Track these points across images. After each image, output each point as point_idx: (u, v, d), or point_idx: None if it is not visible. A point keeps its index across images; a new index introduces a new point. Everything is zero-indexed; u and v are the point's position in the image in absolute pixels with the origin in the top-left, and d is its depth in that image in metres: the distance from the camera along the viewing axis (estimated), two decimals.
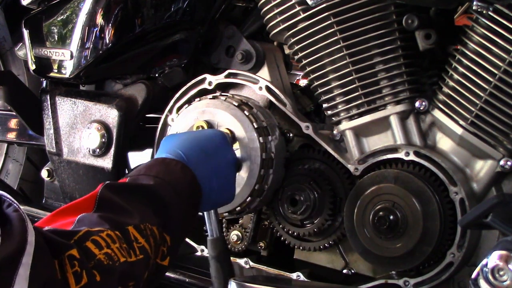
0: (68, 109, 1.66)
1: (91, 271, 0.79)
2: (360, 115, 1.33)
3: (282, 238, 1.45)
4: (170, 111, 1.53)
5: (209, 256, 1.25)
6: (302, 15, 1.33)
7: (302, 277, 1.39)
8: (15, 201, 0.78)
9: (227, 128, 1.33)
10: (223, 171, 1.16)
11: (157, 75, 1.60)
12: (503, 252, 0.89)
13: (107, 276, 0.81)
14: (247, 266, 1.48)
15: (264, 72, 1.49)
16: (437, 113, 1.27)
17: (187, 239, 1.54)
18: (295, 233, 1.41)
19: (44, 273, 0.73)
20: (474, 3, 1.12)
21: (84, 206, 0.91)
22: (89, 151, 1.61)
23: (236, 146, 1.33)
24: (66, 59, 1.56)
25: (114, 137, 1.58)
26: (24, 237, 0.73)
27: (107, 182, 0.96)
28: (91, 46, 1.52)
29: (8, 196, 0.78)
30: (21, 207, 1.92)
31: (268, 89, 1.43)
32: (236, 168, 1.24)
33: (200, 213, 1.21)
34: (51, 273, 0.75)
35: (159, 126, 1.54)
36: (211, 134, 1.23)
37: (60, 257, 0.78)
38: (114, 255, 0.84)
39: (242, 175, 1.32)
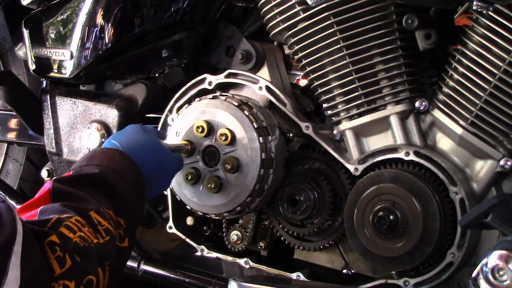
0: (68, 109, 1.66)
1: (72, 254, 0.81)
2: (360, 115, 1.33)
3: (282, 238, 1.45)
4: (170, 111, 1.53)
5: None
6: (302, 15, 1.33)
7: (302, 277, 1.39)
8: (0, 192, 0.79)
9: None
10: (160, 160, 1.19)
11: (157, 75, 1.60)
12: (503, 252, 0.89)
13: (86, 257, 0.84)
14: (247, 266, 1.48)
15: (264, 72, 1.49)
16: (437, 113, 1.28)
17: (187, 239, 1.55)
18: (295, 233, 1.41)
19: (34, 261, 0.75)
20: (474, 3, 1.12)
21: (39, 202, 0.93)
22: (89, 151, 1.61)
23: (235, 146, 1.33)
24: (66, 59, 1.56)
25: None
26: (14, 226, 0.74)
27: (54, 177, 0.99)
28: (91, 46, 1.52)
29: None
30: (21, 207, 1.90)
31: (268, 89, 1.43)
32: (175, 160, 1.26)
33: None
34: (40, 260, 0.76)
35: (159, 126, 1.54)
36: (145, 128, 1.26)
37: (41, 244, 0.79)
38: (88, 237, 0.86)
39: (242, 175, 1.32)
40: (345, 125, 1.36)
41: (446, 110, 1.26)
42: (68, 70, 1.57)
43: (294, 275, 1.40)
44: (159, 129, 1.54)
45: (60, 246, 0.80)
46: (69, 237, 0.83)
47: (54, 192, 0.94)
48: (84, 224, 0.88)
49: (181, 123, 1.39)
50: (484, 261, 0.90)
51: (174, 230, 1.55)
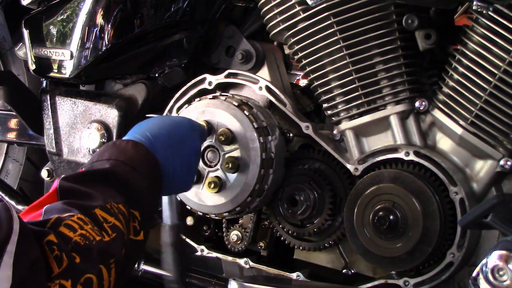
0: (68, 109, 1.66)
1: (70, 253, 0.80)
2: (360, 115, 1.33)
3: (282, 238, 1.45)
4: (170, 111, 1.53)
5: (162, 243, 1.25)
6: (302, 15, 1.33)
7: (302, 277, 1.39)
8: None
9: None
10: (187, 157, 1.16)
11: (157, 75, 1.60)
12: (503, 252, 0.89)
13: (87, 255, 0.82)
14: (247, 266, 1.48)
15: (264, 72, 1.49)
16: (437, 113, 1.28)
17: (187, 239, 1.55)
18: (295, 233, 1.41)
19: (28, 260, 0.74)
20: (474, 3, 1.12)
21: (47, 201, 0.92)
22: (89, 151, 1.61)
23: (235, 146, 1.33)
24: (66, 59, 1.56)
25: (114, 137, 1.58)
26: (10, 226, 0.73)
27: (63, 175, 0.97)
28: (91, 46, 1.52)
29: None
30: (21, 207, 1.91)
31: (268, 89, 1.43)
32: (199, 158, 1.23)
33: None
34: (37, 259, 0.75)
35: None
36: (180, 120, 1.22)
37: (39, 244, 0.78)
38: (89, 235, 0.85)
39: (242, 175, 1.32)
40: (345, 125, 1.36)
41: (446, 110, 1.26)
42: (68, 70, 1.57)
43: (294, 275, 1.41)
44: None
45: (58, 245, 0.79)
46: (69, 236, 0.82)
47: (61, 190, 0.93)
48: (87, 222, 0.86)
49: None
50: (484, 261, 0.90)
51: None
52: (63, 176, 0.97)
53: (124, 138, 1.12)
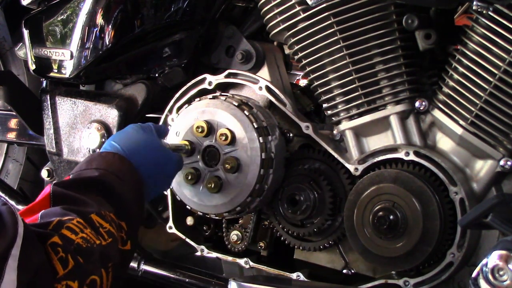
0: (68, 109, 1.66)
1: (74, 254, 0.81)
2: (360, 115, 1.33)
3: (282, 238, 1.45)
4: (170, 111, 1.53)
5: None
6: (302, 15, 1.33)
7: (302, 277, 1.39)
8: (2, 194, 0.79)
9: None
10: (155, 158, 1.18)
11: (157, 75, 1.60)
12: (503, 252, 0.89)
13: (89, 257, 0.84)
14: (247, 266, 1.48)
15: (264, 72, 1.49)
16: (437, 113, 1.28)
17: (187, 239, 1.55)
18: (295, 233, 1.41)
19: (33, 263, 0.75)
20: (474, 3, 1.12)
21: (40, 206, 0.93)
22: (89, 151, 1.61)
23: (235, 146, 1.33)
24: (66, 59, 1.56)
25: None
26: (16, 230, 0.74)
27: (54, 181, 0.99)
28: (91, 46, 1.52)
29: None
30: (21, 207, 1.91)
31: (268, 89, 1.43)
32: (164, 154, 1.24)
33: None
34: (41, 261, 0.76)
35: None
36: (145, 128, 1.24)
37: (43, 246, 0.79)
38: (90, 238, 0.86)
39: (242, 175, 1.32)
40: (345, 125, 1.36)
41: (446, 110, 1.26)
42: (68, 70, 1.57)
43: (294, 275, 1.40)
44: None
45: (63, 247, 0.80)
46: (71, 239, 0.84)
47: (54, 196, 0.94)
48: (85, 226, 0.88)
49: (181, 123, 1.39)
50: (484, 261, 0.90)
51: (174, 230, 1.55)
52: (54, 182, 0.98)
53: (102, 149, 1.15)
